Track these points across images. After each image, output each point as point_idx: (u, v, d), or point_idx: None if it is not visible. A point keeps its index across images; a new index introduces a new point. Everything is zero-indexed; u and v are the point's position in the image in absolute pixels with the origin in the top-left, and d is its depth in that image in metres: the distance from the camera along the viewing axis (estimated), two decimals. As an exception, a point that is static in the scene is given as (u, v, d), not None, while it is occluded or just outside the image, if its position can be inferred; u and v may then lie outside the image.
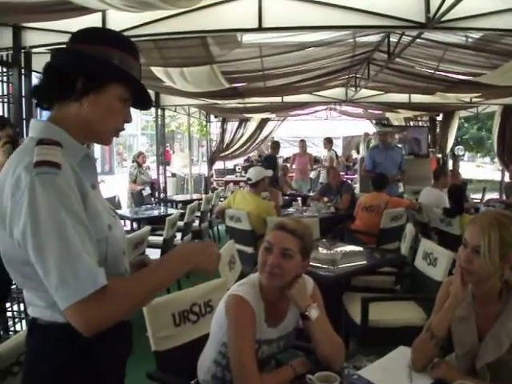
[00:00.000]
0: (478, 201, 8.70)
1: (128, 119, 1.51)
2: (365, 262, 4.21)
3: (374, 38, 5.63)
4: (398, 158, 7.60)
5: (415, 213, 6.46)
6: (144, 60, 5.08)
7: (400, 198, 6.99)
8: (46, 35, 4.21)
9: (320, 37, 5.18)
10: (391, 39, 5.30)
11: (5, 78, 4.40)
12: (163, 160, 10.58)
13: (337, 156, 12.78)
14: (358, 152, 15.42)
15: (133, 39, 4.05)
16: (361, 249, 4.66)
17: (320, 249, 4.68)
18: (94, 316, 1.23)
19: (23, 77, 4.32)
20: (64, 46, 1.47)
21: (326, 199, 7.10)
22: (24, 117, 4.28)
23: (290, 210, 7.23)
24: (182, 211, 6.94)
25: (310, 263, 3.78)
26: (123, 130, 1.54)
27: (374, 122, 13.36)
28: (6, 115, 4.33)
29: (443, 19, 3.31)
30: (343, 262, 3.96)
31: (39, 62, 4.73)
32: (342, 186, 7.24)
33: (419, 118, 12.68)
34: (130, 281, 1.40)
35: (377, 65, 6.62)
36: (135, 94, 1.50)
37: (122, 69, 1.43)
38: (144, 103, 1.58)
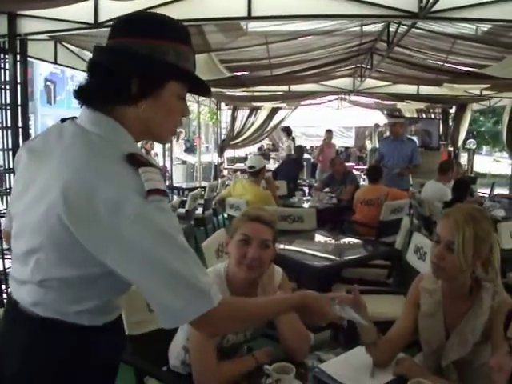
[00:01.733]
0: (486, 195, 8.61)
1: (186, 114, 1.41)
2: (357, 255, 4.20)
3: (375, 27, 5.58)
4: (407, 150, 7.10)
5: (418, 206, 6.41)
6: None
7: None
8: (41, 23, 4.21)
9: (322, 24, 5.15)
10: (391, 29, 5.26)
11: (2, 65, 4.41)
12: (193, 147, 10.65)
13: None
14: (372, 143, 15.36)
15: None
16: (356, 241, 4.65)
17: (316, 239, 4.71)
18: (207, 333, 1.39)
19: (18, 64, 4.33)
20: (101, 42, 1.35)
21: (326, 190, 7.08)
22: (19, 103, 4.32)
23: (292, 199, 7.24)
24: (185, 198, 6.98)
25: (302, 252, 3.86)
26: (181, 124, 1.45)
27: (385, 112, 13.27)
28: (2, 101, 4.38)
29: (436, 9, 3.28)
30: (335, 253, 3.97)
31: (34, 48, 4.85)
32: (346, 177, 7.19)
33: (432, 110, 12.56)
34: (248, 303, 1.47)
35: (379, 54, 6.57)
36: (193, 84, 1.39)
37: (179, 67, 1.30)
38: (201, 92, 1.49)
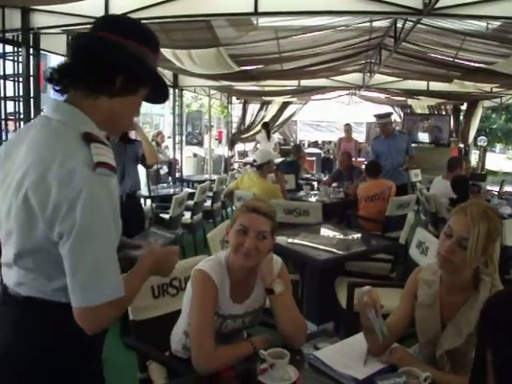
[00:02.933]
0: (496, 193, 8.57)
1: (138, 113, 1.53)
2: (361, 248, 4.24)
3: (384, 23, 5.60)
4: (402, 144, 7.13)
5: (425, 203, 6.43)
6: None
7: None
8: (54, 17, 4.33)
9: (332, 20, 5.18)
10: (398, 25, 5.27)
11: (15, 58, 4.53)
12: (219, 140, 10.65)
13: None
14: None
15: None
16: (360, 234, 4.69)
17: (321, 233, 4.75)
18: (106, 318, 1.32)
19: (31, 57, 4.45)
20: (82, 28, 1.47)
21: (334, 184, 7.11)
22: (32, 95, 4.43)
23: (300, 193, 7.28)
24: (194, 191, 7.04)
25: (306, 245, 3.90)
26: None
27: (396, 108, 13.24)
28: (16, 93, 4.48)
29: (440, 6, 3.30)
30: (339, 246, 4.00)
31: (47, 42, 4.96)
32: (353, 172, 7.22)
33: (443, 107, 12.51)
34: (128, 285, 1.43)
35: (388, 50, 6.58)
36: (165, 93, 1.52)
37: (157, 74, 1.42)
38: (159, 100, 1.56)
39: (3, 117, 4.66)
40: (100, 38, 1.36)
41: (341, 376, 1.79)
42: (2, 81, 4.59)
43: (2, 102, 4.65)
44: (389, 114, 7.43)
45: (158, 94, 1.51)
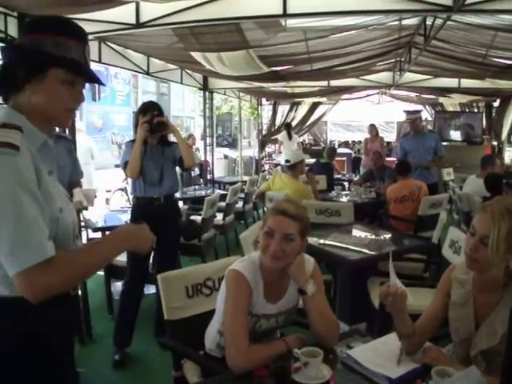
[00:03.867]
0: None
1: (80, 99, 1.57)
2: (393, 248, 4.21)
3: (413, 21, 5.54)
4: (431, 143, 6.96)
5: (458, 201, 6.33)
6: (183, 45, 5.26)
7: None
8: (86, 24, 4.34)
9: (361, 19, 5.15)
10: (427, 22, 5.21)
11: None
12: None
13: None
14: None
15: (166, 27, 4.18)
16: (392, 234, 4.66)
17: (352, 233, 4.74)
18: (41, 283, 1.35)
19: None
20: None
21: (367, 184, 7.08)
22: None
23: (331, 193, 7.27)
24: (225, 192, 7.09)
25: (337, 245, 3.90)
26: (76, 109, 1.62)
27: (426, 106, 13.06)
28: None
29: (470, 1, 3.25)
30: (371, 246, 3.99)
31: None
32: (383, 172, 7.17)
33: (475, 104, 12.29)
34: (76, 254, 1.52)
35: (417, 48, 6.50)
36: (82, 72, 1.56)
37: (55, 54, 1.48)
38: (87, 77, 1.61)
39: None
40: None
41: (374, 375, 1.80)
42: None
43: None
44: (418, 111, 7.34)
45: (85, 73, 1.57)
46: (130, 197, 5.00)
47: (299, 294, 2.11)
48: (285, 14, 3.66)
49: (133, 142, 3.83)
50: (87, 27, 4.41)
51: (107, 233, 5.42)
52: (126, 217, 5.22)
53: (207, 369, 2.24)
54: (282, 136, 12.05)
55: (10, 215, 1.31)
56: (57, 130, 3.13)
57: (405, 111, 7.33)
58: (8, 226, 1.31)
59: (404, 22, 5.62)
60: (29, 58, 1.46)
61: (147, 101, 4.14)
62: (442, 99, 11.84)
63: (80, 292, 1.80)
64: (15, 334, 1.44)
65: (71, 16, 4.35)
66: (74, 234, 1.61)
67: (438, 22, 4.86)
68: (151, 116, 3.67)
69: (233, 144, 21.27)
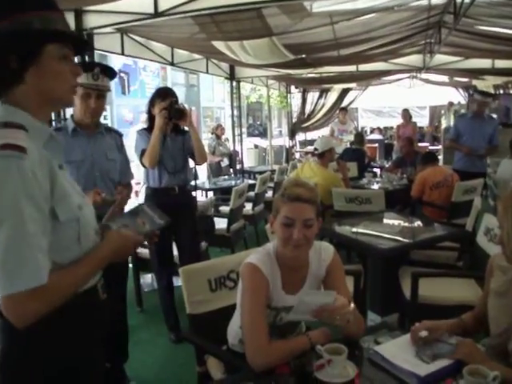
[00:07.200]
0: None
1: (78, 72, 1.49)
2: (426, 236, 4.08)
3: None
4: (488, 129, 6.37)
5: (493, 187, 6.13)
6: (205, 35, 5.20)
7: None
8: (105, 16, 4.46)
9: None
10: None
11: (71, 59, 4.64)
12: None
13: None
14: (439, 122, 14.82)
15: (185, 15, 4.13)
16: (425, 222, 4.54)
17: (383, 221, 4.62)
18: (32, 310, 1.27)
19: (86, 57, 4.55)
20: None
21: (398, 170, 6.93)
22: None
23: (362, 181, 7.15)
24: (254, 182, 7.05)
25: (370, 233, 3.80)
26: (77, 85, 1.55)
27: (459, 89, 12.72)
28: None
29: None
30: (403, 234, 3.87)
31: (103, 42, 5.15)
32: (415, 158, 7.00)
33: (510, 85, 11.90)
34: (65, 275, 1.39)
35: (447, 28, 6.25)
36: (73, 43, 1.47)
37: (46, 30, 1.37)
38: (82, 47, 1.58)
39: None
40: None
41: (401, 372, 1.70)
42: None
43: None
44: (491, 95, 6.99)
45: (76, 43, 1.49)
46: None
47: (321, 283, 2.06)
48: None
49: (146, 129, 3.74)
50: (106, 19, 4.46)
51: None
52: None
53: (230, 365, 2.18)
54: (334, 123, 11.83)
55: (10, 230, 1.22)
56: (102, 121, 3.08)
57: (477, 91, 6.96)
58: (6, 241, 1.22)
59: (433, 1, 5.40)
60: (20, 42, 1.34)
61: (163, 86, 4.04)
62: (475, 81, 11.51)
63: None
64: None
65: (89, 8, 4.36)
66: (95, 229, 1.55)
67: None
68: (170, 103, 3.56)
69: (264, 133, 21.21)
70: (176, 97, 3.68)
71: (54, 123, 4.71)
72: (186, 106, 3.77)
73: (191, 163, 3.94)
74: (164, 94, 3.62)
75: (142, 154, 3.67)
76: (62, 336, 1.41)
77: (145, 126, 3.86)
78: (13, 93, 1.38)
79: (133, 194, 7.22)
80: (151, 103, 3.67)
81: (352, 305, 1.84)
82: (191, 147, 3.73)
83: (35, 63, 1.36)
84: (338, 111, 12.30)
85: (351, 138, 10.09)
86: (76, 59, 4.58)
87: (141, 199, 6.94)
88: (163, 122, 3.53)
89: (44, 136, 1.41)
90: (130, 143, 3.78)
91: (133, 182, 3.44)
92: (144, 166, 3.72)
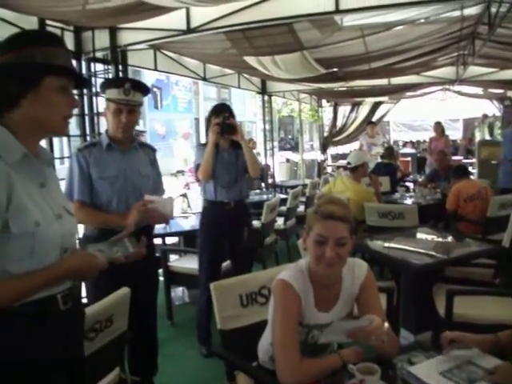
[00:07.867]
0: None
1: (74, 104, 1.61)
2: (460, 252, 3.99)
3: (475, 9, 5.20)
4: None
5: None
6: (236, 50, 5.24)
7: None
8: (138, 33, 4.60)
9: (419, 11, 4.94)
10: (492, 9, 4.87)
11: (106, 75, 4.83)
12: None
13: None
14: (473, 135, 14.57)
15: (217, 30, 4.20)
16: (459, 238, 4.43)
17: (417, 236, 4.54)
18: None
19: (120, 73, 4.72)
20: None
21: (432, 185, 6.82)
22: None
23: (395, 195, 7.06)
24: (286, 196, 7.02)
25: (401, 249, 3.74)
26: (71, 116, 1.64)
27: (494, 101, 12.49)
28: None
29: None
30: (437, 250, 3.79)
31: (136, 58, 5.31)
32: (449, 172, 6.86)
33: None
34: (5, 283, 1.44)
35: (481, 39, 6.14)
36: (73, 77, 1.60)
37: (45, 63, 1.51)
38: (81, 82, 1.69)
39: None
40: None
41: (436, 394, 1.65)
42: (95, 98, 4.88)
43: (95, 118, 4.94)
44: None
45: (76, 78, 1.62)
46: (196, 201, 4.94)
47: (354, 301, 2.03)
48: (337, 11, 3.54)
49: (204, 145, 3.83)
50: (140, 36, 4.57)
51: (167, 239, 5.51)
52: (187, 223, 5.30)
53: (260, 381, 2.16)
54: (363, 137, 11.74)
55: None
56: (138, 137, 3.16)
57: None
58: None
59: (466, 12, 5.31)
60: (22, 72, 1.50)
61: (220, 102, 4.14)
62: (510, 93, 11.30)
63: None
64: None
65: (124, 25, 4.47)
66: (63, 247, 1.58)
67: (504, 7, 4.53)
68: (223, 118, 3.64)
69: (295, 147, 21.22)
70: (230, 111, 3.76)
71: (88, 138, 4.81)
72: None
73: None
74: (219, 110, 3.73)
75: (197, 168, 3.79)
76: (7, 339, 1.44)
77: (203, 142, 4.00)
78: (6, 115, 1.50)
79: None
80: (208, 119, 3.80)
81: (386, 324, 1.81)
82: (245, 161, 3.77)
83: (34, 92, 1.50)
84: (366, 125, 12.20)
85: (380, 150, 9.98)
86: (110, 75, 4.76)
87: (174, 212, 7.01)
88: (216, 137, 3.64)
89: (17, 154, 1.49)
90: (165, 155, 3.89)
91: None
92: (198, 179, 3.84)
